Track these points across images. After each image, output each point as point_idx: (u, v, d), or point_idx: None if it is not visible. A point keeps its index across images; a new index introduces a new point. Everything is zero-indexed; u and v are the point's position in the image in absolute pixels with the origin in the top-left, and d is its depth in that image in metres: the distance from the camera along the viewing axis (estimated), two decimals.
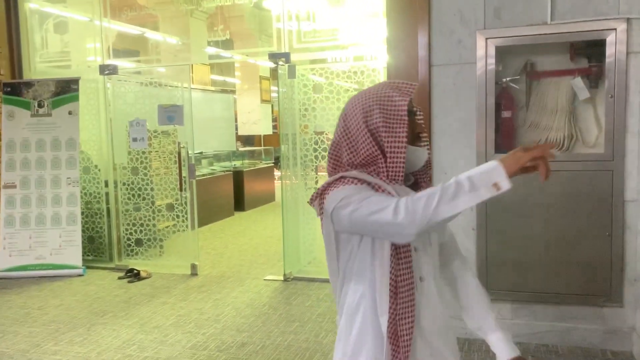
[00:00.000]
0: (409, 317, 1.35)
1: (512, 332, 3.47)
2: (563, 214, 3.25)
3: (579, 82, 3.29)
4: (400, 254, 1.35)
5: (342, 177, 1.37)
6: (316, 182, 5.30)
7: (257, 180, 9.93)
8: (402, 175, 1.35)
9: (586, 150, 3.30)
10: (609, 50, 3.10)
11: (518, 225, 3.34)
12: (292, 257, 5.15)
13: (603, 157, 3.18)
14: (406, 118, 1.33)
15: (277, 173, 10.28)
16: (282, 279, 5.06)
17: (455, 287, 1.58)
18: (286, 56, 4.92)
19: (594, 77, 3.26)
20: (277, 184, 9.70)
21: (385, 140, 1.34)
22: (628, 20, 3.03)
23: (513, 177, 1.20)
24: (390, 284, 1.33)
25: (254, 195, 9.69)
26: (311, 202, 1.45)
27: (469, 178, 1.21)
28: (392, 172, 1.35)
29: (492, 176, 1.20)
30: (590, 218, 3.22)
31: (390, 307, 1.33)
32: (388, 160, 1.34)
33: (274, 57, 4.98)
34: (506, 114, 3.43)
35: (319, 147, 5.10)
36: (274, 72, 11.83)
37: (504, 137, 3.40)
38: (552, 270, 3.30)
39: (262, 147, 11.97)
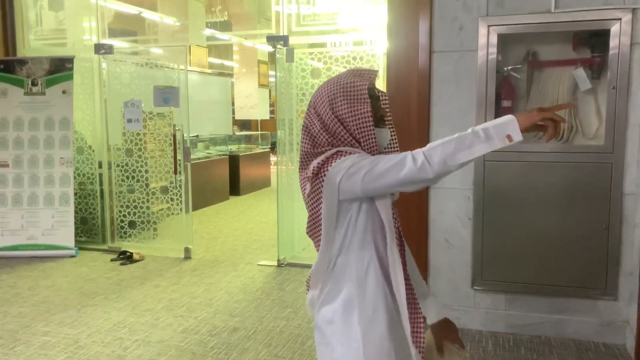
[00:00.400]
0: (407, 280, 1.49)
1: (506, 323, 3.47)
2: (561, 205, 3.23)
3: (581, 73, 3.24)
4: (394, 220, 1.48)
5: (338, 151, 1.45)
6: None
7: (253, 165, 9.88)
8: (377, 150, 1.47)
9: (586, 142, 3.26)
10: (613, 41, 3.05)
11: (514, 216, 3.31)
12: (286, 242, 5.13)
13: (603, 149, 3.14)
14: (368, 99, 1.44)
15: (273, 158, 10.22)
16: (276, 264, 5.04)
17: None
18: (285, 39, 4.85)
19: (597, 68, 3.21)
20: (273, 169, 9.66)
21: (353, 124, 1.45)
22: (633, 10, 2.98)
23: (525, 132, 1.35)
24: (396, 243, 1.46)
25: (250, 180, 9.64)
26: (305, 182, 1.50)
27: (485, 129, 1.36)
28: (367, 149, 1.46)
29: (506, 128, 1.35)
30: (588, 210, 3.19)
31: (403, 266, 1.46)
32: (362, 142, 1.46)
33: (272, 39, 4.91)
34: (506, 103, 3.38)
35: None
36: (272, 57, 11.75)
37: None
38: (548, 262, 3.27)
39: (259, 132, 11.90)
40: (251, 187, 9.64)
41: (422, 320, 1.49)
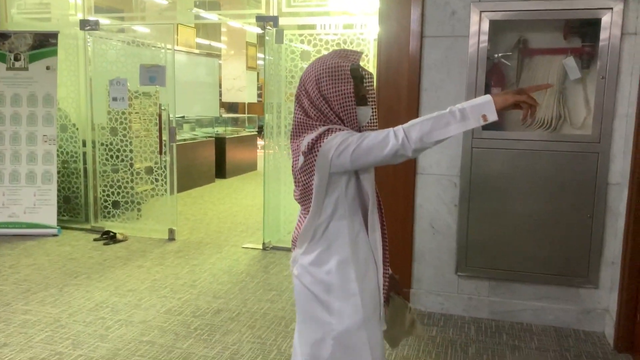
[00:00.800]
0: (384, 240, 1.74)
1: (489, 309, 3.50)
2: (546, 194, 3.24)
3: (570, 62, 3.24)
4: (375, 188, 1.68)
5: (329, 129, 1.58)
6: None
7: (240, 148, 9.81)
8: (357, 126, 1.63)
9: (573, 131, 3.27)
10: (604, 31, 3.05)
11: (500, 203, 3.32)
12: (272, 226, 5.11)
13: (590, 139, 3.16)
14: (351, 79, 1.57)
15: (260, 142, 10.16)
16: (261, 247, 5.02)
17: None
18: (274, 20, 4.78)
19: (587, 57, 3.21)
20: (260, 152, 9.60)
21: (336, 102, 1.58)
22: (625, 0, 2.97)
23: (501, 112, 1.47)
24: (378, 208, 1.70)
25: (236, 163, 9.58)
26: (297, 155, 1.63)
27: (462, 109, 1.48)
28: (349, 125, 1.61)
29: (482, 108, 1.47)
30: (573, 199, 3.21)
31: (382, 230, 1.70)
32: (344, 120, 1.60)
33: (261, 20, 4.84)
34: (496, 90, 3.37)
35: None
36: (261, 39, 11.60)
37: None
38: (531, 249, 3.30)
39: (246, 115, 11.80)
40: (237, 170, 9.59)
41: (388, 275, 1.76)
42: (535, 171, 3.24)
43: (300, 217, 1.74)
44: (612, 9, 3.00)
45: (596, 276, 3.24)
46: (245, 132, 10.47)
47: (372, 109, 1.68)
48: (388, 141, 1.49)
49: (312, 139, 1.57)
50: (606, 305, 3.23)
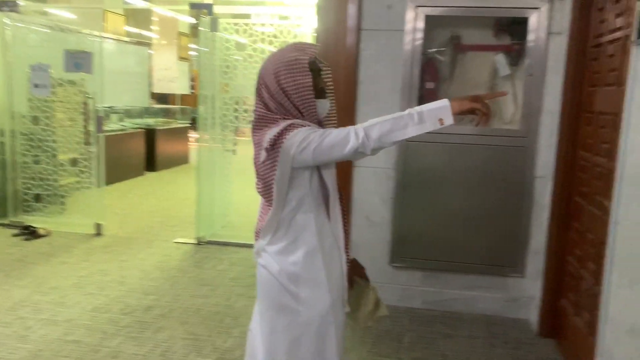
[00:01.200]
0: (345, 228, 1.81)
1: (422, 299, 3.56)
2: (477, 186, 3.34)
3: (500, 59, 3.36)
4: (337, 181, 1.76)
5: (291, 124, 1.60)
6: (234, 144, 5.12)
7: (171, 140, 9.52)
8: (316, 119, 1.67)
9: (502, 126, 3.39)
10: (531, 30, 3.17)
11: (433, 196, 3.39)
12: (205, 220, 4.98)
13: (518, 133, 3.28)
14: (309, 73, 1.60)
15: (193, 135, 9.90)
16: (194, 242, 4.89)
17: None
18: (208, 7, 4.65)
19: (515, 55, 3.33)
20: (193, 145, 9.36)
21: (295, 95, 1.60)
22: (551, 0, 3.10)
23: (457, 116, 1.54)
24: (339, 199, 1.76)
25: (167, 155, 9.29)
26: (259, 149, 1.66)
27: (420, 112, 1.53)
28: (309, 118, 1.64)
29: (439, 112, 1.52)
30: (502, 192, 3.33)
31: (343, 223, 1.78)
32: (303, 113, 1.63)
33: (195, 7, 4.69)
34: (430, 85, 3.44)
35: (240, 107, 4.92)
36: (194, 29, 11.30)
37: None
38: (463, 241, 3.40)
39: (179, 106, 11.47)
40: (168, 163, 9.30)
41: (349, 261, 1.84)
42: (467, 164, 3.33)
43: (262, 209, 1.78)
44: (539, 9, 3.13)
45: (522, 265, 3.38)
46: (177, 124, 10.16)
47: (331, 101, 1.72)
48: (349, 140, 1.54)
49: (275, 135, 1.59)
50: (532, 293, 3.38)
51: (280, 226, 1.70)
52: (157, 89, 11.66)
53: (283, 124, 1.60)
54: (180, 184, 7.87)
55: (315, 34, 3.51)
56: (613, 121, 2.39)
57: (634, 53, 2.01)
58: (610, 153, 2.40)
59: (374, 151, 1.57)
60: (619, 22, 2.42)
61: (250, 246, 4.59)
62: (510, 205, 3.33)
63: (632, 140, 1.99)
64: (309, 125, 1.62)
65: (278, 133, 1.59)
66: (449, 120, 1.52)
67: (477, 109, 1.56)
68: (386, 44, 3.32)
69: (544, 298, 3.19)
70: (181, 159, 9.82)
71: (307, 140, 1.56)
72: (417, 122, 1.52)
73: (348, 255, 1.81)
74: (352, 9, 3.33)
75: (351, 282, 1.90)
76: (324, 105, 1.70)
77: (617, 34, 2.43)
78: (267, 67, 1.65)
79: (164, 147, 9.17)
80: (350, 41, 3.34)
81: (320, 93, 1.68)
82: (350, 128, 1.56)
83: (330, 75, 1.74)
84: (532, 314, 3.34)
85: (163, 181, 8.23)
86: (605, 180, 2.45)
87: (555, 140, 3.12)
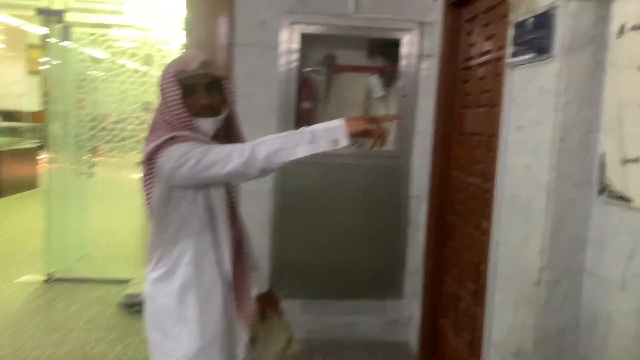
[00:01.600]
0: (239, 255, 1.64)
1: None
2: (356, 208, 3.27)
3: (374, 80, 3.35)
4: (233, 204, 1.63)
5: (174, 137, 1.46)
6: (92, 166, 4.60)
7: (18, 162, 8.48)
8: (206, 137, 1.53)
9: (377, 146, 3.36)
10: (404, 51, 3.19)
11: (311, 219, 3.26)
12: (56, 253, 4.38)
13: (392, 154, 3.27)
14: (175, 88, 1.49)
15: (44, 156, 8.92)
16: (43, 279, 4.27)
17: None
18: (59, 14, 4.15)
19: (389, 76, 3.34)
20: (44, 167, 8.42)
21: (172, 112, 1.50)
22: (421, 23, 3.15)
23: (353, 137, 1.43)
24: (226, 228, 1.57)
25: (13, 179, 8.25)
26: (140, 165, 1.53)
27: (313, 131, 1.40)
28: (195, 133, 1.51)
29: (334, 132, 1.40)
30: (379, 213, 3.29)
31: (232, 252, 1.59)
32: (180, 127, 1.50)
33: (43, 13, 4.16)
34: (306, 104, 3.33)
35: (97, 124, 4.43)
36: (45, 41, 10.33)
37: None
38: (343, 264, 3.29)
39: (28, 124, 10.33)
40: (14, 188, 8.25)
41: (250, 294, 1.66)
42: (345, 185, 3.25)
43: (152, 230, 1.63)
44: (410, 31, 3.16)
45: (400, 286, 3.35)
46: (26, 144, 9.11)
47: (218, 120, 1.56)
48: (232, 158, 1.39)
49: (153, 148, 1.45)
50: (410, 314, 3.36)
51: (164, 252, 1.56)
52: (3, 105, 10.49)
53: (166, 136, 1.46)
54: (29, 212, 6.97)
55: (184, 50, 3.25)
56: (487, 142, 2.43)
57: (509, 75, 2.03)
58: (485, 173, 2.43)
59: (263, 172, 1.42)
60: (488, 45, 2.48)
61: (111, 281, 4.15)
62: (388, 225, 3.30)
63: (510, 161, 2.00)
64: (195, 140, 1.47)
65: (157, 146, 1.45)
66: (343, 141, 1.41)
67: (372, 131, 1.44)
68: (261, 61, 3.14)
69: (423, 319, 3.18)
70: (30, 184, 8.77)
71: (186, 156, 1.40)
72: (309, 142, 1.40)
73: (246, 291, 1.64)
74: (224, 23, 3.12)
75: (263, 316, 1.79)
76: (206, 126, 1.53)
77: (487, 57, 2.48)
78: (162, 75, 1.55)
79: (9, 171, 8.15)
80: (223, 56, 3.12)
81: (204, 110, 1.52)
82: (238, 145, 1.43)
83: (230, 90, 1.62)
84: (412, 336, 3.31)
85: (8, 209, 7.27)
86: (480, 199, 2.48)
87: (428, 161, 3.15)
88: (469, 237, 2.63)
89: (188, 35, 3.17)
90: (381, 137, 1.46)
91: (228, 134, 1.64)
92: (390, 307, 3.38)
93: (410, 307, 3.35)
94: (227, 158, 1.39)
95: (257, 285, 1.78)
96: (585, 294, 1.71)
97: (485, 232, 2.29)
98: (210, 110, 1.54)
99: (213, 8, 3.13)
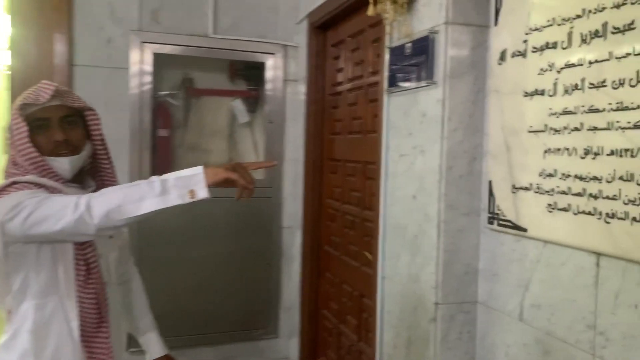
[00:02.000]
0: (96, 320, 1.38)
1: None
2: (224, 243, 3.01)
3: (238, 105, 3.15)
4: (89, 261, 1.36)
5: (14, 182, 1.29)
6: None
7: None
8: (60, 179, 1.35)
9: None
10: (268, 75, 3.04)
11: (172, 259, 2.91)
12: None
13: (262, 183, 3.06)
14: (21, 122, 1.30)
15: None
16: None
17: (128, 287, 1.64)
18: None
19: (253, 101, 3.16)
20: None
21: (22, 151, 1.31)
22: (285, 47, 3.02)
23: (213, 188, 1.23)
24: (77, 290, 1.34)
25: None
26: None
27: (164, 180, 1.21)
28: (47, 176, 1.33)
29: (190, 182, 1.21)
30: (251, 247, 3.06)
31: (79, 314, 1.34)
32: (29, 169, 1.32)
33: None
34: (163, 132, 3.02)
35: None
36: None
37: (161, 159, 2.97)
38: (211, 307, 2.99)
39: None
40: None
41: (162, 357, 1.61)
42: (213, 219, 2.97)
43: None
44: (274, 54, 3.01)
45: (276, 325, 3.14)
46: None
47: (76, 159, 1.36)
48: (66, 213, 1.17)
49: None
50: (286, 353, 3.15)
51: (10, 315, 1.36)
52: None
53: (5, 182, 1.29)
54: None
55: (9, 72, 2.75)
56: (362, 170, 2.34)
57: (385, 101, 1.96)
58: (363, 202, 2.33)
59: (102, 231, 1.21)
60: (358, 70, 2.40)
61: None
62: (260, 260, 3.08)
63: (393, 190, 1.91)
64: (42, 187, 1.29)
65: None
66: (202, 192, 1.21)
67: (235, 181, 1.24)
68: (109, 83, 2.76)
69: (301, 358, 2.99)
70: None
71: (19, 207, 1.20)
72: (158, 194, 1.19)
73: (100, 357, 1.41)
74: (60, 42, 2.70)
75: None
76: (61, 165, 1.34)
77: (358, 82, 2.41)
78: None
79: None
80: (62, 78, 2.68)
81: (59, 147, 1.33)
82: (76, 197, 1.21)
83: (94, 123, 1.43)
84: None
85: None
86: (360, 229, 2.37)
87: (301, 189, 3.00)
88: (349, 269, 2.51)
89: (14, 56, 2.69)
90: (246, 187, 1.26)
91: (94, 174, 1.46)
92: (265, 347, 3.15)
93: (286, 346, 3.15)
94: (60, 212, 1.18)
95: (157, 347, 1.66)
96: (480, 328, 1.65)
97: (369, 264, 2.18)
98: (67, 148, 1.34)
99: (46, 23, 2.70)
